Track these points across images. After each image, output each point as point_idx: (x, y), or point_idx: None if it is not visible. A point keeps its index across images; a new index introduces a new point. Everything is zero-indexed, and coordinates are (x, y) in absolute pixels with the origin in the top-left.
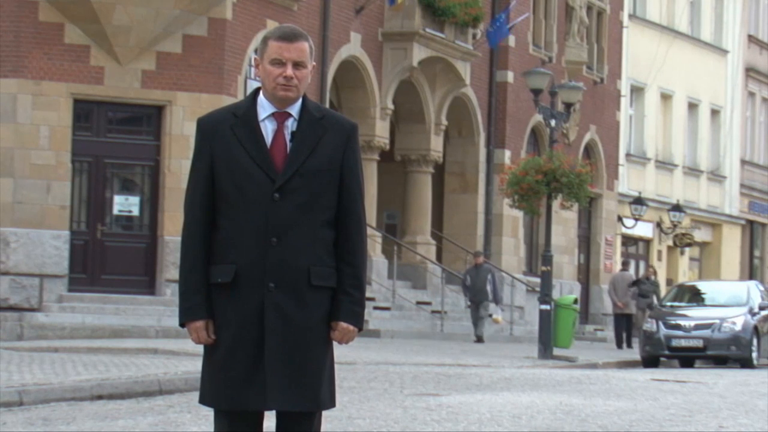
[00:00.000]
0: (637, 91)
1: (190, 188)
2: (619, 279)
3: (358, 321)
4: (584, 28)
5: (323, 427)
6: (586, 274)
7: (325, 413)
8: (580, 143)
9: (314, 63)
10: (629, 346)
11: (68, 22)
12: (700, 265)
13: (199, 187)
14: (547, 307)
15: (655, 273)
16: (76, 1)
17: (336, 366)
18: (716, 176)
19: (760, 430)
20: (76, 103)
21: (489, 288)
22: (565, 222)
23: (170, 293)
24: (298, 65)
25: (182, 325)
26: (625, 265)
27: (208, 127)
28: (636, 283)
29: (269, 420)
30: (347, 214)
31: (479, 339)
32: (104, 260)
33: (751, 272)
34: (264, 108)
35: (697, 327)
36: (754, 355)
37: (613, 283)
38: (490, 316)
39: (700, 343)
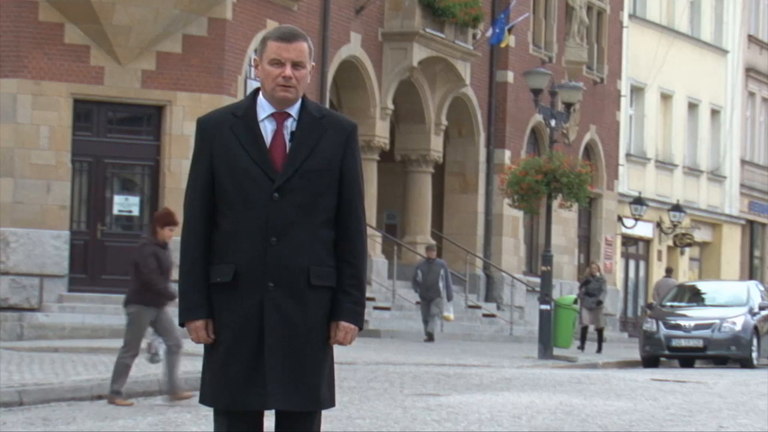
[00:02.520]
0: (637, 91)
1: (189, 188)
2: (663, 285)
3: (358, 320)
4: (584, 28)
5: (323, 427)
6: None
7: (325, 413)
8: (580, 143)
9: (313, 63)
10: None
11: (68, 22)
12: (700, 265)
13: (198, 187)
14: (547, 307)
15: (599, 269)
16: (76, 1)
17: (336, 366)
18: (716, 176)
19: (760, 430)
20: (76, 103)
21: (441, 284)
22: (565, 222)
23: None
24: (297, 65)
25: (182, 324)
26: (669, 272)
27: (207, 127)
28: (585, 283)
29: (269, 420)
30: (347, 213)
31: (430, 337)
32: (104, 260)
33: (751, 272)
34: (263, 108)
35: (697, 327)
36: (754, 355)
37: (656, 289)
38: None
39: (700, 343)
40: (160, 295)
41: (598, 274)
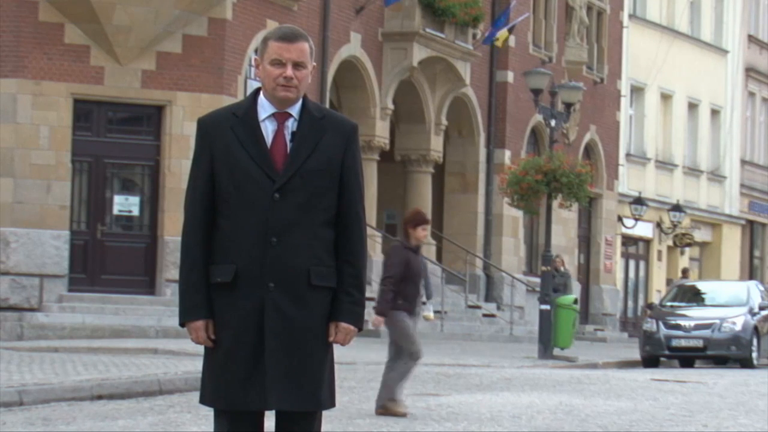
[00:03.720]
0: (637, 91)
1: (190, 188)
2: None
3: (358, 321)
4: (584, 28)
5: (323, 427)
6: (586, 274)
7: (325, 413)
8: (580, 143)
9: (314, 63)
10: None
11: (68, 22)
12: (700, 265)
13: (199, 187)
14: (547, 307)
15: (563, 263)
16: (76, 1)
17: (336, 366)
18: (716, 176)
19: (760, 430)
20: (76, 103)
21: (421, 283)
22: (565, 222)
23: (170, 293)
24: (298, 65)
25: (182, 324)
26: (685, 272)
27: (208, 127)
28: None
29: (269, 420)
30: (347, 214)
31: None
32: (104, 260)
33: (751, 272)
34: (264, 108)
35: (697, 327)
36: (754, 355)
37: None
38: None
39: (700, 343)
40: (397, 300)
41: (562, 268)
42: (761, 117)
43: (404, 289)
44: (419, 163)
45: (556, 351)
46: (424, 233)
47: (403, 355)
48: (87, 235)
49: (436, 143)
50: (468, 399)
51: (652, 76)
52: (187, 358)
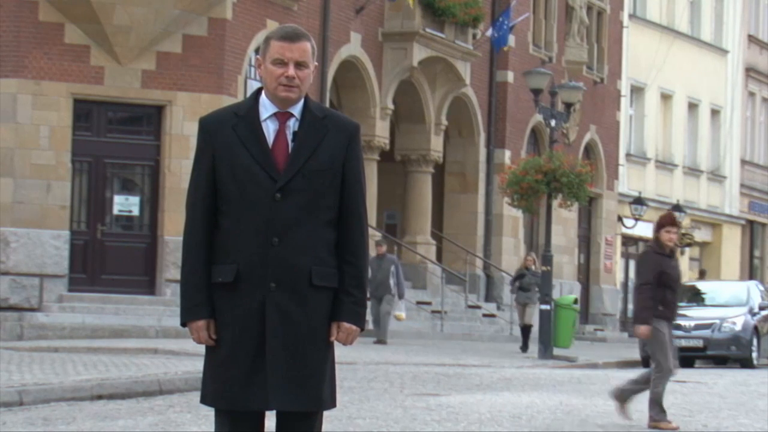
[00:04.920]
0: (637, 91)
1: (191, 188)
2: None
3: (359, 321)
4: (584, 28)
5: (324, 427)
6: (586, 274)
7: (325, 413)
8: (580, 143)
9: (316, 63)
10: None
11: (68, 22)
12: (700, 265)
13: (200, 187)
14: (547, 307)
15: (534, 262)
16: (76, 1)
17: (336, 366)
18: (716, 176)
19: (760, 430)
20: (76, 103)
21: (392, 281)
22: (565, 222)
23: (170, 293)
24: (300, 65)
25: (184, 324)
26: (702, 274)
27: (209, 127)
28: (519, 277)
29: (270, 420)
30: (349, 214)
31: (381, 341)
32: (104, 260)
33: (751, 272)
34: (266, 108)
35: (697, 327)
36: (754, 355)
37: None
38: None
39: (700, 343)
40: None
41: (533, 267)
42: (761, 117)
43: (662, 295)
44: (419, 163)
45: (556, 351)
46: (667, 236)
47: (656, 366)
48: (87, 235)
49: (436, 143)
50: (468, 399)
51: (652, 76)
52: (187, 358)
